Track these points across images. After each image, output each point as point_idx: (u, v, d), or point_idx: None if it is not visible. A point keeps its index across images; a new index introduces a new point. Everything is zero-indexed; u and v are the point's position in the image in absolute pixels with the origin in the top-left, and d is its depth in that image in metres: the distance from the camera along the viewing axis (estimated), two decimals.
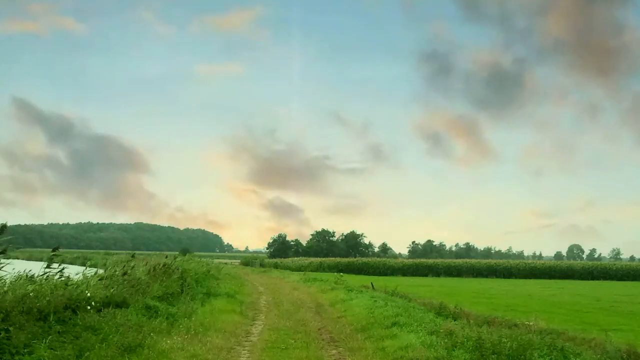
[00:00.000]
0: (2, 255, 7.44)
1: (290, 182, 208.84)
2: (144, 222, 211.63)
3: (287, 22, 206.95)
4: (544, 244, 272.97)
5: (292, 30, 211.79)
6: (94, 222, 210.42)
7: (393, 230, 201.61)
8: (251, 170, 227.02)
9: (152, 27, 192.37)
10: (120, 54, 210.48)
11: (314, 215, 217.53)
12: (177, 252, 56.69)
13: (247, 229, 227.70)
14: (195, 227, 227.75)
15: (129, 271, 12.04)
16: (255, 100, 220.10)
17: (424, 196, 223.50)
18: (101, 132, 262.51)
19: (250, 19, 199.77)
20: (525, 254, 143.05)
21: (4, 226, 7.26)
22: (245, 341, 10.38)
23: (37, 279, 8.48)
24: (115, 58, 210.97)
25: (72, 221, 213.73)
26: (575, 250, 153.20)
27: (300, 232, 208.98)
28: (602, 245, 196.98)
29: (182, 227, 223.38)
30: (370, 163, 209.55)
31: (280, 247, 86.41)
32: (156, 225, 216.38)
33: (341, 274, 32.00)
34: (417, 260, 60.63)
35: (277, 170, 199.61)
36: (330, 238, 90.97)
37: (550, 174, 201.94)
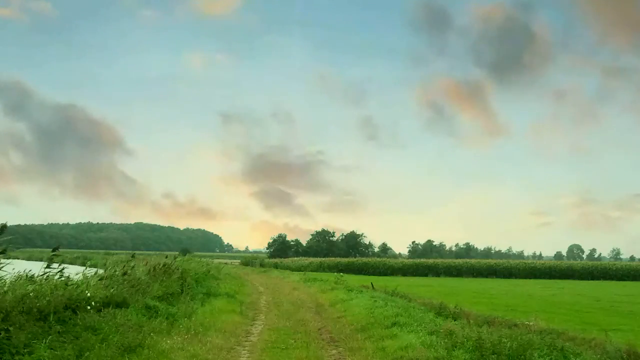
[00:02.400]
0: (2, 255, 7.44)
1: (284, 177, 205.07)
2: (144, 221, 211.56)
3: (275, 7, 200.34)
4: (551, 240, 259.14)
5: (280, 13, 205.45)
6: (94, 222, 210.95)
7: (392, 225, 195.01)
8: (242, 163, 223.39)
9: (134, 12, 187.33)
10: (102, 41, 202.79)
11: (310, 211, 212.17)
12: (177, 252, 56.82)
13: (240, 220, 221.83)
14: (186, 219, 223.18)
15: (129, 271, 12.03)
16: (243, 88, 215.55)
17: (425, 187, 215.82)
18: (63, 101, 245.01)
19: (237, 4, 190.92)
20: (525, 254, 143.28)
21: (4, 226, 7.27)
22: (245, 341, 10.38)
23: (37, 279, 8.47)
24: (97, 45, 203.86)
25: (72, 221, 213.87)
26: (575, 250, 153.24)
27: (296, 222, 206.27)
28: (617, 238, 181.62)
29: (174, 221, 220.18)
30: (366, 146, 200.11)
31: (280, 247, 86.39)
32: (156, 225, 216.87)
33: (341, 274, 31.97)
34: (417, 260, 60.62)
35: (271, 165, 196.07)
36: (330, 238, 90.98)
37: (563, 155, 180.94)
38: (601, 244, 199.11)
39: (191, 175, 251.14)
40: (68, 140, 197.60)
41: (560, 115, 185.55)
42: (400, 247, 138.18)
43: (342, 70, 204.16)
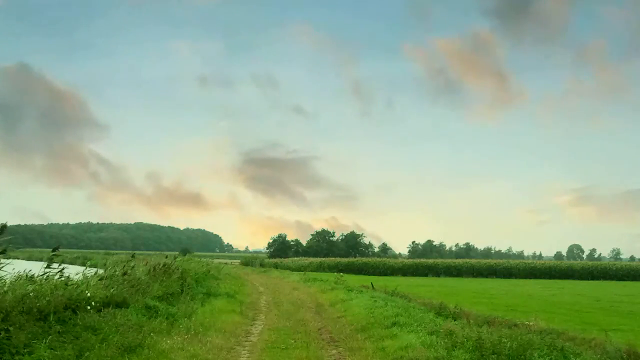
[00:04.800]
0: (2, 255, 7.44)
1: (277, 169, 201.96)
2: (144, 221, 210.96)
3: None
4: (551, 240, 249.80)
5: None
6: (94, 222, 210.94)
7: (389, 219, 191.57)
8: (233, 151, 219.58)
9: None
10: (90, 29, 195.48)
11: (307, 203, 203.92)
12: (177, 252, 56.89)
13: (231, 209, 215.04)
14: (172, 206, 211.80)
15: (129, 271, 12.03)
16: (233, 74, 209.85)
17: (424, 179, 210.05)
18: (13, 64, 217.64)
19: None
20: (525, 254, 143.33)
21: (4, 226, 7.27)
22: (245, 341, 10.38)
23: (37, 279, 8.48)
24: (87, 34, 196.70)
25: (72, 221, 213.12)
26: (575, 250, 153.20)
27: (291, 214, 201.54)
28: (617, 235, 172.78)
29: (160, 209, 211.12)
30: (361, 123, 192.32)
31: (280, 247, 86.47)
32: (156, 225, 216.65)
33: (341, 274, 31.98)
34: (417, 260, 60.68)
35: (263, 156, 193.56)
36: (330, 238, 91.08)
37: (574, 138, 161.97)
38: (601, 242, 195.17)
39: (178, 160, 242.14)
40: (25, 112, 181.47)
41: (578, 80, 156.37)
42: (400, 247, 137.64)
43: (335, 35, 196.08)
